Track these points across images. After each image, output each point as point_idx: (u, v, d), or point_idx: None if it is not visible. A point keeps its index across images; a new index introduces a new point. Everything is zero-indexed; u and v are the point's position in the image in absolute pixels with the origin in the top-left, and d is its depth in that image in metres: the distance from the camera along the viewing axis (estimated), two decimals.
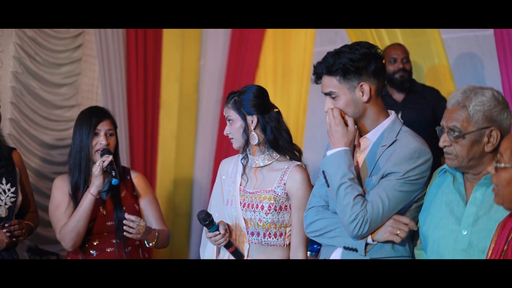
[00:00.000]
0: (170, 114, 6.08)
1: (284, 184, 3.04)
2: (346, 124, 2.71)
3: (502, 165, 2.11)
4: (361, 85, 2.70)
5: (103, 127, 3.50)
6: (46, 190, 4.92)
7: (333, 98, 2.73)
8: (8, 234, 3.39)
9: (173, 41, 6.06)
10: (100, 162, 3.38)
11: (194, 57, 6.26)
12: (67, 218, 3.42)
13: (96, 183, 3.38)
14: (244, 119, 3.09)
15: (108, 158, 3.38)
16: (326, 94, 2.76)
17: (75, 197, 3.46)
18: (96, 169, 3.38)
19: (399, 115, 4.61)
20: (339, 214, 2.65)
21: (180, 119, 6.15)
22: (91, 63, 5.41)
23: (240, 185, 3.12)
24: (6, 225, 3.41)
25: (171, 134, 6.10)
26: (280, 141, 3.10)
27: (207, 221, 3.00)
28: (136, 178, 3.68)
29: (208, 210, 3.15)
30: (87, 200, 3.38)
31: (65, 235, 3.39)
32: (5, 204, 3.47)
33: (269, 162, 3.10)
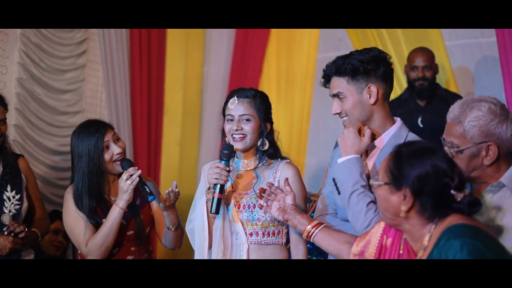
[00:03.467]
0: (174, 120, 6.09)
1: (278, 181, 3.02)
2: (362, 135, 2.72)
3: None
4: (368, 87, 2.72)
5: (109, 137, 3.37)
6: (51, 196, 4.94)
7: (341, 99, 2.75)
8: (11, 238, 3.38)
9: (177, 47, 6.07)
10: (127, 176, 3.24)
11: (198, 64, 6.27)
12: (91, 231, 3.32)
13: (126, 197, 3.26)
14: (263, 123, 3.06)
15: (137, 173, 3.25)
16: (334, 95, 2.78)
17: (91, 217, 3.32)
18: (125, 185, 3.24)
19: (419, 119, 4.62)
20: (352, 221, 2.65)
21: (184, 125, 6.15)
22: (95, 69, 5.42)
23: (232, 187, 3.10)
24: (4, 228, 3.41)
25: (174, 140, 6.10)
26: (277, 152, 3.11)
27: (230, 153, 2.97)
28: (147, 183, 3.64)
29: (192, 214, 3.11)
30: (116, 214, 3.27)
31: (93, 251, 3.28)
32: (10, 211, 3.47)
33: (260, 164, 3.09)
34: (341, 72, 2.73)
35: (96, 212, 3.34)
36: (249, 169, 3.10)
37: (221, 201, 2.95)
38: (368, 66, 2.71)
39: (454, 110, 2.51)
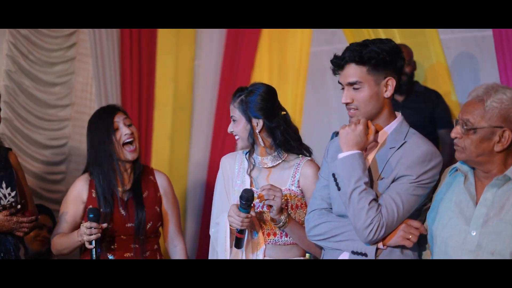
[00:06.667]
0: (165, 115, 6.03)
1: (298, 181, 2.99)
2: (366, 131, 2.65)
3: None
4: (388, 80, 2.65)
5: (119, 119, 3.39)
6: (41, 190, 4.87)
7: (356, 89, 2.64)
8: (14, 219, 3.28)
9: (168, 40, 6.01)
10: (88, 232, 3.15)
11: (189, 57, 6.21)
12: (65, 229, 3.38)
13: (83, 240, 3.21)
14: (249, 121, 3.02)
15: (96, 235, 3.16)
16: (349, 84, 2.65)
17: (105, 200, 3.34)
18: (83, 235, 3.18)
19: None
20: (352, 219, 2.58)
21: (175, 119, 6.10)
22: (85, 62, 5.35)
23: (251, 186, 3.03)
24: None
25: (165, 135, 6.05)
26: (292, 142, 3.04)
27: (250, 202, 2.86)
28: (161, 179, 3.55)
29: (214, 209, 3.08)
30: (74, 243, 3.28)
31: (51, 246, 3.44)
32: (5, 209, 3.38)
33: (278, 162, 3.04)
34: (363, 60, 2.60)
35: (107, 201, 3.35)
36: (265, 167, 3.05)
37: (243, 240, 2.92)
38: (389, 57, 2.62)
39: (477, 90, 2.49)
